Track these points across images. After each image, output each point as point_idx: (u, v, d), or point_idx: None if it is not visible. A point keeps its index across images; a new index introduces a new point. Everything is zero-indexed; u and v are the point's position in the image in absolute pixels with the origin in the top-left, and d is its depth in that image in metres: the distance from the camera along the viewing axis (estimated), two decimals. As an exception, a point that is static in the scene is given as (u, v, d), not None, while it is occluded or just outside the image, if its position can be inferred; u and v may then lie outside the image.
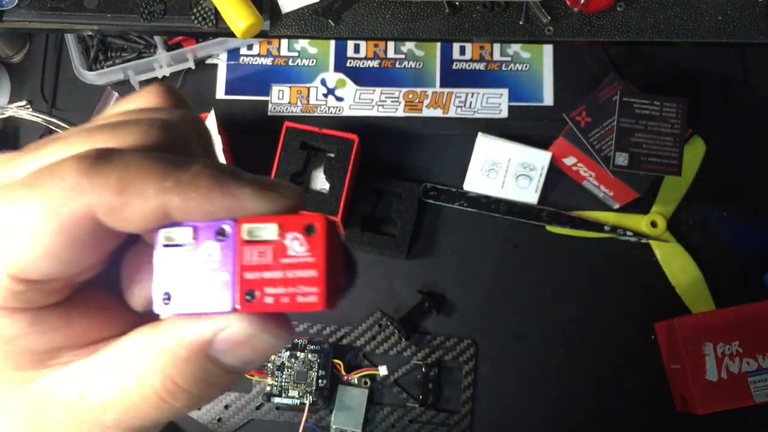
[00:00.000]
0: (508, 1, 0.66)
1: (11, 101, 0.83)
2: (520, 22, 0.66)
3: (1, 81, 0.84)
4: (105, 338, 0.22)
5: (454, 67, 0.84)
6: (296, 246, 0.20)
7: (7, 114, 0.82)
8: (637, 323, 0.78)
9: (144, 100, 0.24)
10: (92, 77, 0.79)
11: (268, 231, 0.20)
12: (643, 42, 0.66)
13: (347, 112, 0.83)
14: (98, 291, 0.23)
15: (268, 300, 0.20)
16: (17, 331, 0.21)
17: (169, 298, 0.21)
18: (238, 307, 0.20)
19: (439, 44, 0.84)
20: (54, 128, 0.82)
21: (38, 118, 0.82)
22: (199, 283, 0.20)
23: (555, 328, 0.78)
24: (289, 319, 0.22)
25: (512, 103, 0.83)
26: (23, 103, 0.82)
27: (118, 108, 0.24)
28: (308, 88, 0.84)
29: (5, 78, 0.84)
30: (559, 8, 0.66)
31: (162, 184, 0.20)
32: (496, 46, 0.84)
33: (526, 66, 0.84)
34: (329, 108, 0.83)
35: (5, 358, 0.21)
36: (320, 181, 0.78)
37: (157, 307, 0.21)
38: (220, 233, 0.20)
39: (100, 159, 0.20)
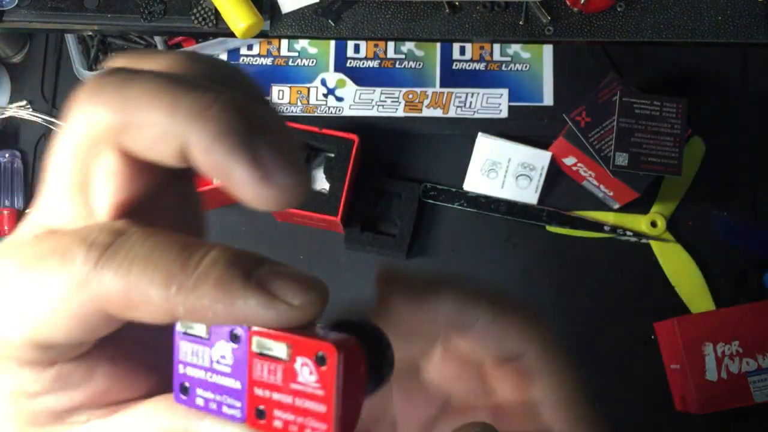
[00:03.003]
0: (508, 1, 0.66)
1: (11, 101, 0.83)
2: (520, 22, 0.66)
3: (1, 81, 0.84)
4: (125, 400, 0.22)
5: (454, 67, 0.84)
6: (306, 374, 0.18)
7: (7, 114, 0.82)
8: (637, 323, 0.78)
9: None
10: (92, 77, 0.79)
11: (278, 350, 0.18)
12: (643, 42, 0.66)
13: (347, 112, 0.83)
14: (126, 350, 0.22)
15: (277, 423, 0.19)
16: (40, 387, 0.20)
17: (186, 391, 0.20)
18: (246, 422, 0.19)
19: (439, 44, 0.84)
20: (54, 128, 0.82)
21: (38, 118, 0.82)
22: (213, 384, 0.19)
23: (555, 328, 0.78)
24: None
25: (512, 103, 0.83)
26: (23, 103, 0.83)
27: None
28: (308, 88, 0.84)
29: (5, 78, 0.84)
30: (559, 8, 0.66)
31: (166, 291, 0.18)
32: (496, 46, 0.84)
33: (526, 66, 0.84)
34: (329, 108, 0.83)
35: (24, 413, 0.21)
36: (320, 181, 0.78)
37: (176, 396, 0.20)
38: (234, 337, 0.19)
39: (105, 252, 0.18)
